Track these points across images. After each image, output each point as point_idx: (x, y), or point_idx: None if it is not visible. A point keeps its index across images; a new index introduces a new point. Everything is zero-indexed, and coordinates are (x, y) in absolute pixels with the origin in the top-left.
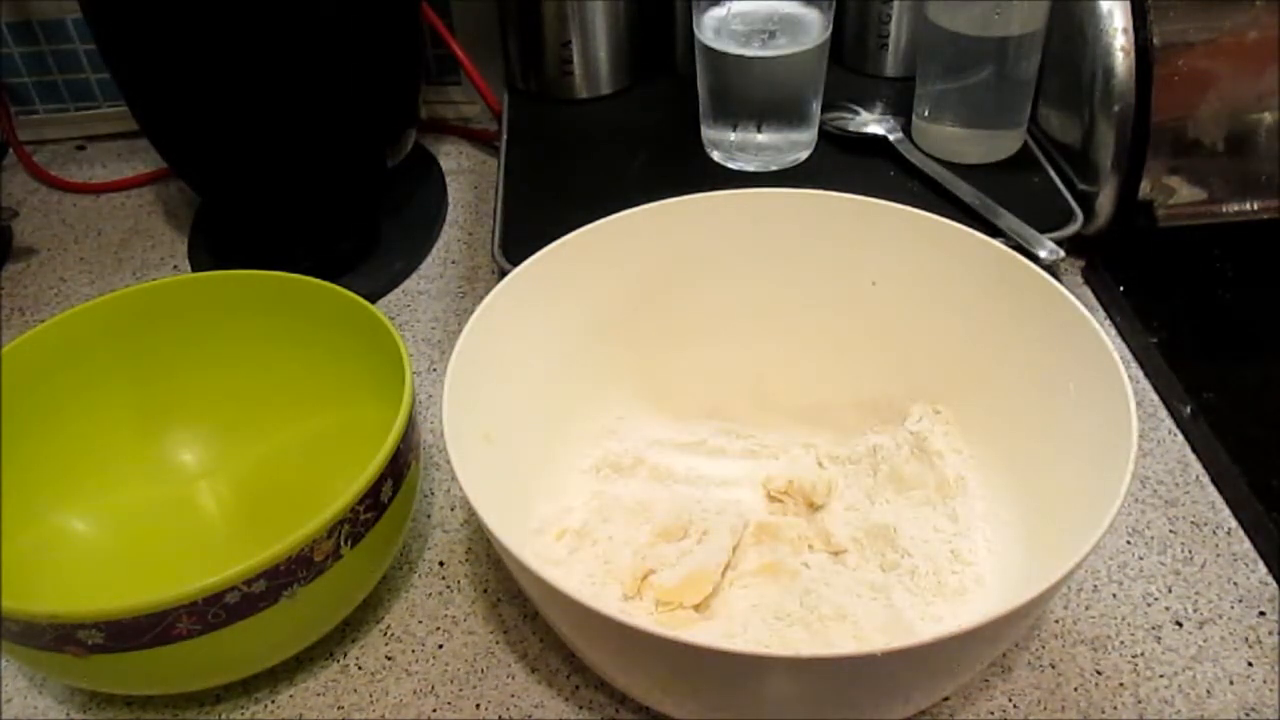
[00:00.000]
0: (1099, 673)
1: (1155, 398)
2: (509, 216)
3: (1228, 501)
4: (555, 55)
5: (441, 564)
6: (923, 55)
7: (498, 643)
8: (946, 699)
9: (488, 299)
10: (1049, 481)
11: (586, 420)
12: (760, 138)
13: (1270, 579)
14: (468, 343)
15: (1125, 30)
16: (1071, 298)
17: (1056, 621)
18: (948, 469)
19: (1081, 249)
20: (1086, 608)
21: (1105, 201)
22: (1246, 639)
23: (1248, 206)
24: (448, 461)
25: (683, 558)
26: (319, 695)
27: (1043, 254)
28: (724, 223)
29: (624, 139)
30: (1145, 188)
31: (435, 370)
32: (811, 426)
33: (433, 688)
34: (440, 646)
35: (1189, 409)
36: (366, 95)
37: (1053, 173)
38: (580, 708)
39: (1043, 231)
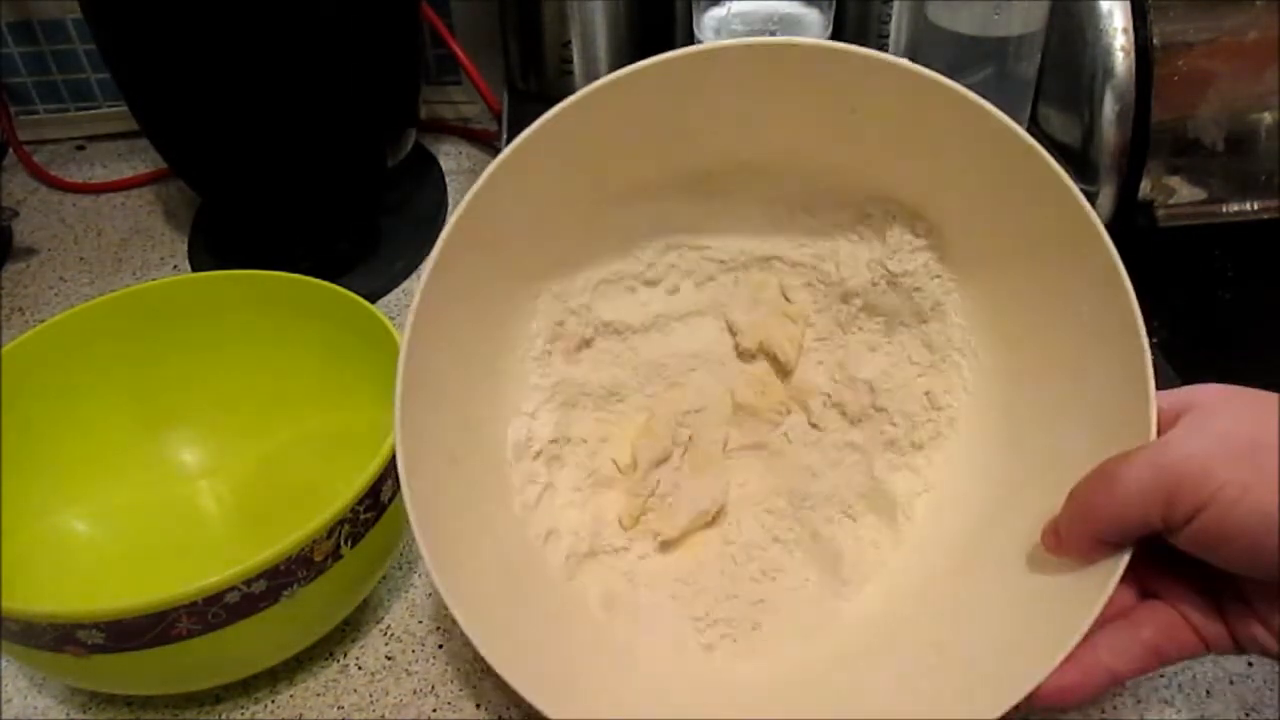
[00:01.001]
0: None
1: None
2: None
3: None
4: (555, 55)
5: None
6: (923, 55)
7: None
8: None
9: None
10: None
11: (527, 300)
12: None
13: None
14: (412, 341)
15: (1125, 30)
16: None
17: None
18: (924, 299)
19: None
20: None
21: (1105, 201)
22: None
23: (1248, 206)
24: None
25: (676, 488)
26: (319, 695)
27: None
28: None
29: None
30: (1145, 188)
31: None
32: (770, 231)
33: (433, 688)
34: (440, 646)
35: None
36: (366, 95)
37: None
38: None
39: None
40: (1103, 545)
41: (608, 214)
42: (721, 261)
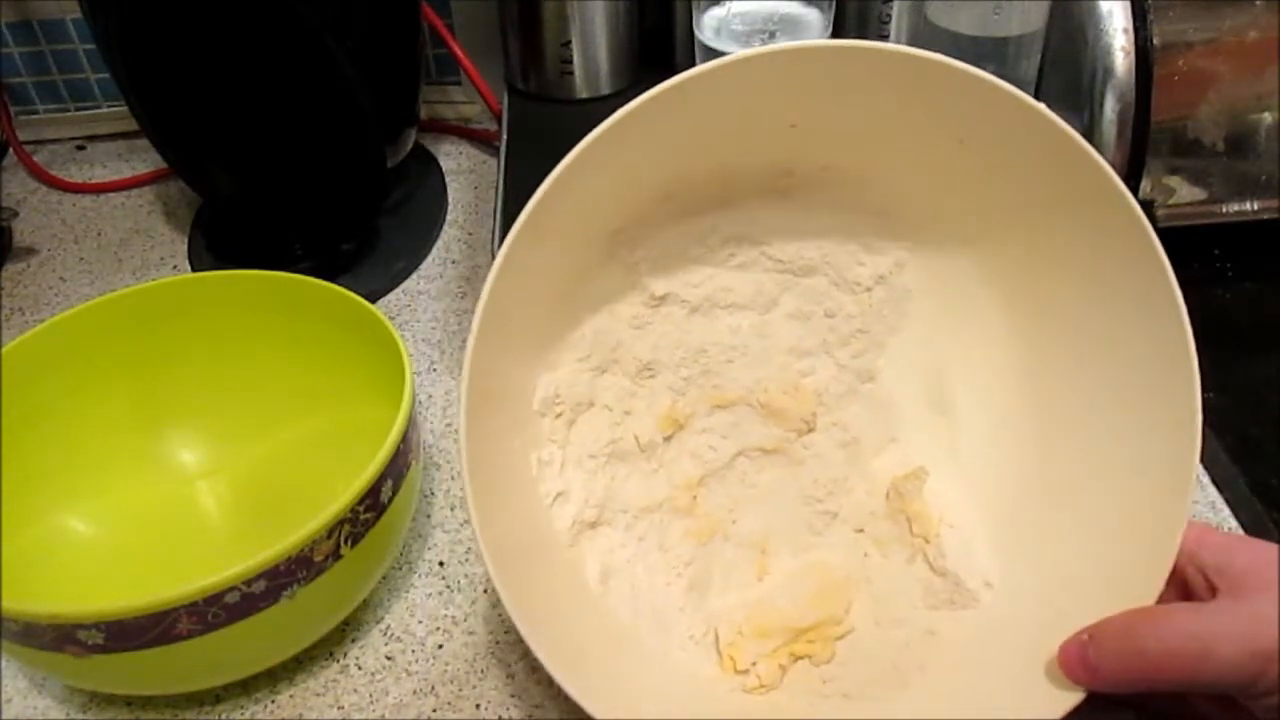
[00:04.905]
0: None
1: None
2: (509, 217)
3: (1228, 501)
4: (555, 55)
5: (441, 564)
6: None
7: (498, 643)
8: None
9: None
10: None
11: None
12: None
13: None
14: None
15: (1125, 30)
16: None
17: None
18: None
19: None
20: None
21: None
22: None
23: (1248, 206)
24: (448, 461)
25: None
26: (319, 695)
27: None
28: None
29: None
30: (1145, 188)
31: (435, 370)
32: (832, 241)
33: (433, 688)
34: (440, 646)
35: None
36: (366, 95)
37: None
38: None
39: None
40: (1132, 688)
41: (682, 197)
42: (779, 261)
